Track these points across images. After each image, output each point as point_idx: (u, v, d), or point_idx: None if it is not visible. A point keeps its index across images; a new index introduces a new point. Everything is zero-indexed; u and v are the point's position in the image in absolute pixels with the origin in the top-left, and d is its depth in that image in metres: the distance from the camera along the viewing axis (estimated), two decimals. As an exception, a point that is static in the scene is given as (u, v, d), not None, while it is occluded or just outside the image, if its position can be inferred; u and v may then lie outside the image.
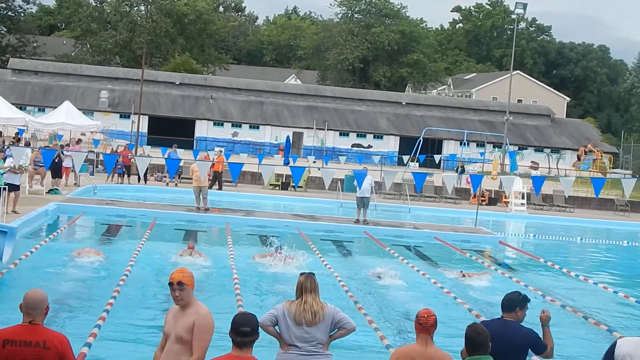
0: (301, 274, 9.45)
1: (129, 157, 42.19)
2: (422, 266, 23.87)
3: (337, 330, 9.26)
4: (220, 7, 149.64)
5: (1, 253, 18.28)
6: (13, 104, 53.37)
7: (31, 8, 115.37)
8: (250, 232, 29.14)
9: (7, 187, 26.43)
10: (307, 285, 9.20)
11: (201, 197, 32.53)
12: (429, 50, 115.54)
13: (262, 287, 19.11)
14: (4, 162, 26.84)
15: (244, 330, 7.28)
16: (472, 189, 46.32)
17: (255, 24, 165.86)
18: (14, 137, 45.20)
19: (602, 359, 8.75)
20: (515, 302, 9.35)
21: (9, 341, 7.40)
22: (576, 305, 19.67)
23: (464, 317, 16.50)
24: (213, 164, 38.49)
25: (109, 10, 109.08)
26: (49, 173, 35.00)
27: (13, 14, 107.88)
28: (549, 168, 73.90)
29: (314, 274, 9.41)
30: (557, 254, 30.45)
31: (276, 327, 9.07)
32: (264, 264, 21.61)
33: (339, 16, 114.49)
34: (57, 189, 35.23)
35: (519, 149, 71.43)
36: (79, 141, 43.40)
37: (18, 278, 17.91)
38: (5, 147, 30.86)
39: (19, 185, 28.29)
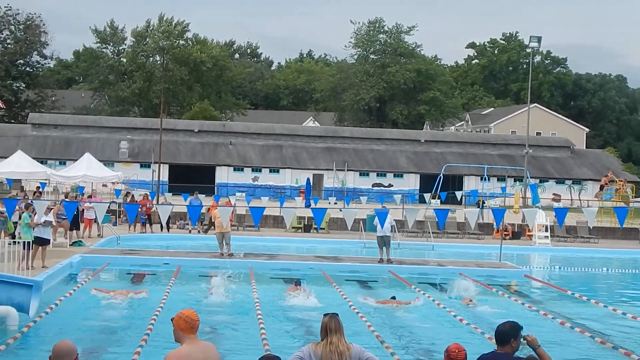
0: (325, 315, 9.39)
1: (148, 205, 42.30)
2: (447, 302, 23.75)
3: None
4: (236, 54, 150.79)
5: (28, 307, 18.34)
6: (34, 158, 53.87)
7: (49, 63, 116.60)
8: (273, 276, 29.04)
9: (36, 240, 26.67)
10: (331, 326, 9.13)
11: (224, 243, 32.59)
12: (445, 87, 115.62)
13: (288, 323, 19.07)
14: (29, 216, 26.97)
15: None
16: (495, 223, 46.15)
17: (271, 68, 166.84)
18: (35, 192, 45.47)
19: None
20: (510, 334, 9.05)
21: None
22: (605, 336, 19.52)
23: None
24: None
25: (125, 61, 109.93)
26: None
27: (31, 70, 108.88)
28: (571, 200, 73.57)
29: (337, 314, 9.34)
30: (584, 285, 30.26)
31: None
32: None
33: (355, 57, 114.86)
34: (81, 241, 35.38)
35: (540, 182, 71.31)
36: (91, 194, 43.56)
37: (44, 330, 17.95)
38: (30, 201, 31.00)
39: (49, 240, 28.46)
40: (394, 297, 23.99)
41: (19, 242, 25.83)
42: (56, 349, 7.65)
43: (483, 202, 53.66)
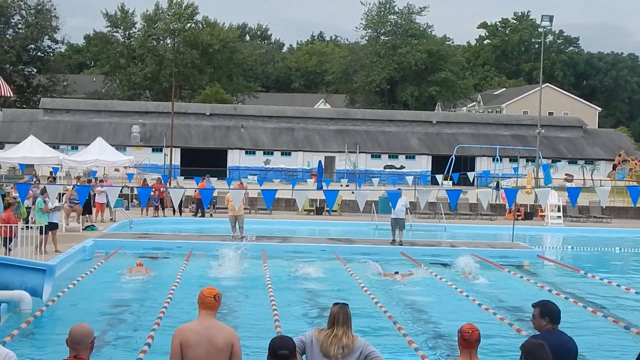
0: (334, 304, 9.27)
1: (162, 190, 42.34)
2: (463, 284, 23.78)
3: None
4: (247, 35, 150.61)
5: (41, 291, 18.43)
6: (46, 143, 53.88)
7: (60, 47, 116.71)
8: (287, 258, 29.07)
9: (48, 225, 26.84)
10: (339, 317, 8.99)
11: (237, 226, 32.62)
12: (456, 68, 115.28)
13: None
14: (44, 202, 27.05)
15: (282, 353, 7.29)
16: (507, 204, 46.06)
17: (282, 50, 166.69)
18: (48, 177, 45.58)
19: None
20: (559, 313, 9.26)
21: None
22: (618, 316, 19.52)
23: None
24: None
25: (136, 45, 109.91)
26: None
27: (43, 55, 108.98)
28: (584, 179, 73.39)
29: (347, 305, 9.22)
30: (597, 265, 30.22)
31: (303, 356, 8.90)
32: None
33: (365, 39, 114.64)
34: (94, 225, 35.48)
35: (552, 162, 71.12)
36: (103, 179, 43.61)
37: (58, 314, 18.05)
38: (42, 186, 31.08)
39: (57, 224, 28.56)
40: (397, 272, 24.90)
41: (31, 227, 25.90)
42: (73, 332, 7.69)
43: (499, 184, 53.28)
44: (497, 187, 49.55)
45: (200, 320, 8.64)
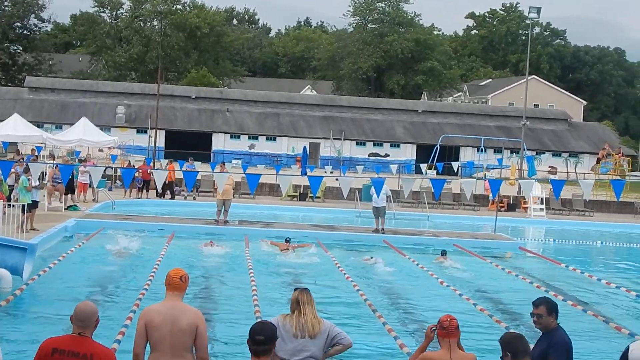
0: (295, 289, 9.33)
1: (148, 172, 42.18)
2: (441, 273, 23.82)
3: (333, 346, 9.13)
4: (234, 19, 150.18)
5: (21, 269, 18.36)
6: (30, 121, 53.67)
7: (46, 26, 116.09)
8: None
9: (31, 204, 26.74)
10: (303, 298, 9.06)
11: (223, 210, 32.58)
12: (443, 58, 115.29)
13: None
14: (28, 180, 26.93)
15: (258, 339, 7.29)
16: (491, 194, 46.11)
17: (269, 35, 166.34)
18: (31, 156, 45.38)
19: None
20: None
21: (58, 350, 7.49)
22: (598, 310, 19.58)
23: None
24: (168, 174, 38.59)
25: (122, 26, 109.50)
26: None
27: (29, 33, 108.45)
28: (567, 172, 73.61)
29: (308, 289, 9.28)
30: (578, 259, 30.29)
31: None
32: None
33: (353, 26, 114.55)
34: (76, 206, 35.35)
35: (536, 154, 71.26)
36: (86, 159, 43.41)
37: (38, 293, 17.98)
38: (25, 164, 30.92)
39: (37, 202, 28.43)
40: (371, 257, 25.68)
41: (14, 206, 25.75)
42: (78, 310, 7.68)
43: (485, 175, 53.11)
44: (485, 179, 49.44)
45: (165, 302, 8.59)
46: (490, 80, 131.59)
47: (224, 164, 40.03)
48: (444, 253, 26.43)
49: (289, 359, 8.83)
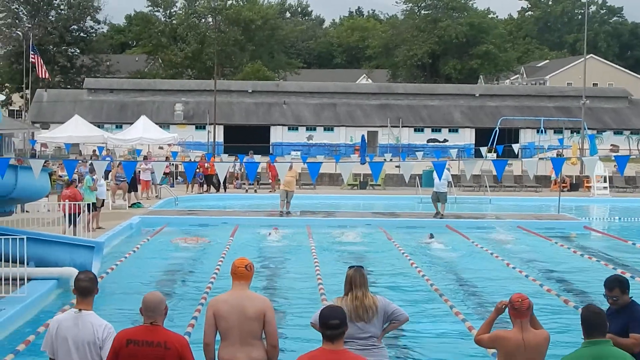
0: (350, 267, 9.31)
1: (207, 166, 42.41)
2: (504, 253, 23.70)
3: (390, 322, 9.17)
4: (287, 12, 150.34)
5: (89, 267, 18.59)
6: (91, 122, 54.35)
7: (102, 28, 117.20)
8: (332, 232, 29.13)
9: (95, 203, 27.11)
10: (356, 279, 9.06)
11: (286, 201, 32.69)
12: (498, 41, 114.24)
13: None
14: (93, 180, 27.30)
15: (334, 323, 7.26)
16: (554, 173, 45.59)
17: (323, 26, 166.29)
18: (92, 155, 45.95)
19: None
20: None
21: (132, 341, 7.65)
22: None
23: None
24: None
25: (177, 24, 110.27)
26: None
27: (85, 35, 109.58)
28: (630, 149, 72.60)
29: (362, 267, 9.28)
30: (645, 236, 29.90)
31: None
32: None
33: (405, 13, 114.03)
34: (139, 203, 35.73)
35: (597, 133, 70.39)
36: (145, 157, 43.81)
37: (106, 290, 18.19)
38: (89, 164, 31.33)
39: (103, 201, 28.82)
40: (432, 236, 26.10)
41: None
42: (147, 300, 7.82)
43: (561, 155, 51.85)
44: (560, 158, 48.48)
45: (232, 291, 8.67)
46: (547, 61, 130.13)
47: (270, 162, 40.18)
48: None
49: (349, 341, 8.81)
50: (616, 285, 8.96)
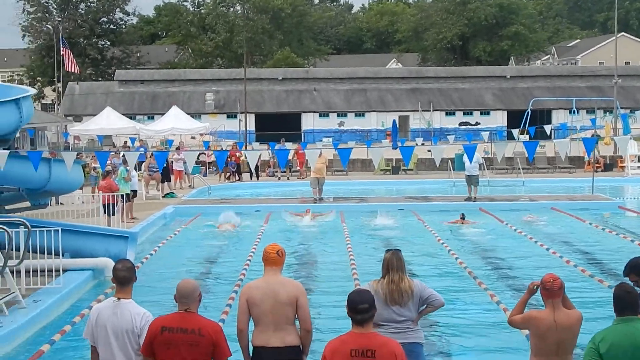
0: (387, 251, 9.32)
1: (237, 155, 42.51)
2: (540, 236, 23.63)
3: (425, 306, 9.17)
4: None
5: (124, 257, 18.73)
6: (123, 114, 54.71)
7: (131, 19, 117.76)
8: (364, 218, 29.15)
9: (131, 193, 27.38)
10: (393, 262, 9.06)
11: (318, 188, 32.73)
12: (528, 21, 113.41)
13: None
14: (127, 171, 27.53)
15: (362, 307, 7.28)
16: (586, 154, 45.28)
17: (352, 12, 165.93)
18: (124, 146, 46.23)
19: None
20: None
21: (167, 328, 7.71)
22: None
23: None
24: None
25: (205, 14, 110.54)
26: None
27: (115, 27, 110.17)
28: (664, 128, 71.93)
29: (399, 250, 9.27)
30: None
31: None
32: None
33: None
34: (173, 193, 35.91)
35: (630, 112, 69.79)
36: (179, 146, 43.98)
37: (141, 280, 18.27)
38: (122, 155, 31.52)
39: (136, 192, 29.04)
40: (463, 217, 26.26)
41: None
42: (181, 287, 7.89)
43: (598, 137, 50.98)
44: (596, 140, 47.73)
45: (265, 277, 8.72)
46: (578, 40, 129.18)
47: (300, 147, 40.15)
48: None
49: (384, 324, 8.89)
50: (630, 271, 8.83)
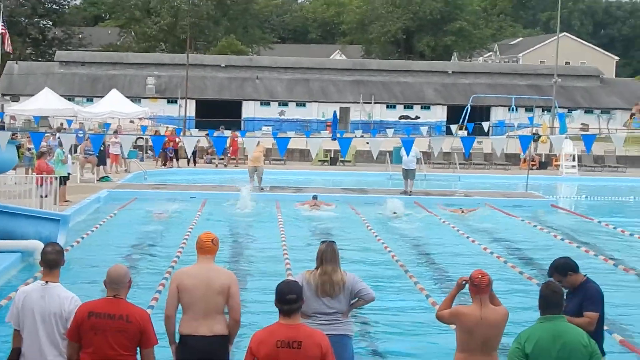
0: (322, 242, 9.38)
1: (176, 140, 42.30)
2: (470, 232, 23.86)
3: (357, 300, 9.21)
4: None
5: (55, 240, 18.54)
6: (62, 95, 54.02)
7: (75, 0, 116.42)
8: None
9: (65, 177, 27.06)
10: (327, 254, 9.10)
11: (256, 177, 32.68)
12: (473, 17, 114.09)
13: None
14: (63, 153, 27.23)
15: (290, 297, 7.31)
16: (521, 152, 45.78)
17: (298, 1, 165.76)
18: (59, 128, 45.68)
19: None
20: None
21: (94, 313, 7.68)
22: (630, 265, 19.54)
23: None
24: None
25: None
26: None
27: (58, 7, 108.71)
28: (600, 129, 73.01)
29: (334, 242, 9.31)
30: (611, 214, 30.14)
31: None
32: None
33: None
34: (108, 177, 35.62)
35: (568, 111, 70.67)
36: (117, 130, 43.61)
37: (71, 264, 18.15)
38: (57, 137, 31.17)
39: (69, 175, 28.75)
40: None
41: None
42: (111, 273, 7.87)
43: (538, 137, 51.34)
44: (537, 138, 48.14)
45: (198, 264, 8.73)
46: (520, 39, 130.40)
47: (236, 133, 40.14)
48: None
49: (315, 316, 8.92)
50: (552, 272, 9.12)
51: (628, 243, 23.14)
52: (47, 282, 8.03)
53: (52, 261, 8.11)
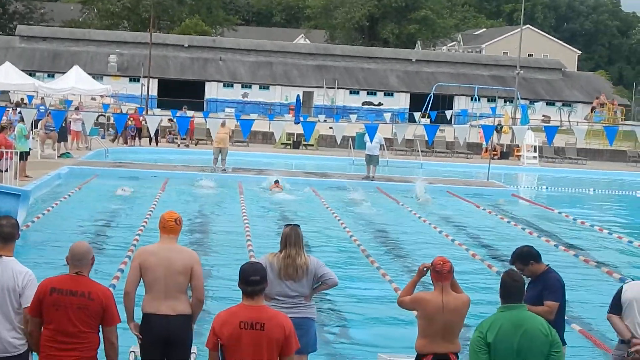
0: (286, 225, 9.36)
1: (141, 119, 42.05)
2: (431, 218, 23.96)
3: (320, 284, 9.20)
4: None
5: (15, 216, 18.33)
6: (22, 70, 53.39)
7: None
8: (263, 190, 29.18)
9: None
10: (291, 237, 9.07)
11: (220, 158, 32.62)
12: (437, 7, 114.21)
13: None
14: (26, 128, 26.98)
15: (254, 279, 7.26)
16: (484, 141, 46.07)
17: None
18: (17, 103, 45.18)
19: (609, 304, 8.80)
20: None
21: (56, 289, 7.58)
22: (590, 255, 19.71)
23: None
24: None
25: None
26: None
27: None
28: (561, 121, 73.54)
29: (299, 226, 9.27)
30: (571, 205, 30.41)
31: None
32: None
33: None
34: (69, 153, 35.33)
35: (530, 103, 71.14)
36: (78, 107, 43.26)
37: (31, 240, 17.99)
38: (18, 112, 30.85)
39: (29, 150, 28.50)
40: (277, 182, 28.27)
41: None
42: (74, 249, 7.76)
43: (501, 127, 51.45)
44: (500, 128, 48.30)
45: (160, 243, 8.63)
46: (484, 29, 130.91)
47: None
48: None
49: (277, 298, 8.89)
50: (514, 260, 9.12)
51: (588, 234, 23.33)
52: (1, 255, 7.90)
53: (7, 234, 7.98)
